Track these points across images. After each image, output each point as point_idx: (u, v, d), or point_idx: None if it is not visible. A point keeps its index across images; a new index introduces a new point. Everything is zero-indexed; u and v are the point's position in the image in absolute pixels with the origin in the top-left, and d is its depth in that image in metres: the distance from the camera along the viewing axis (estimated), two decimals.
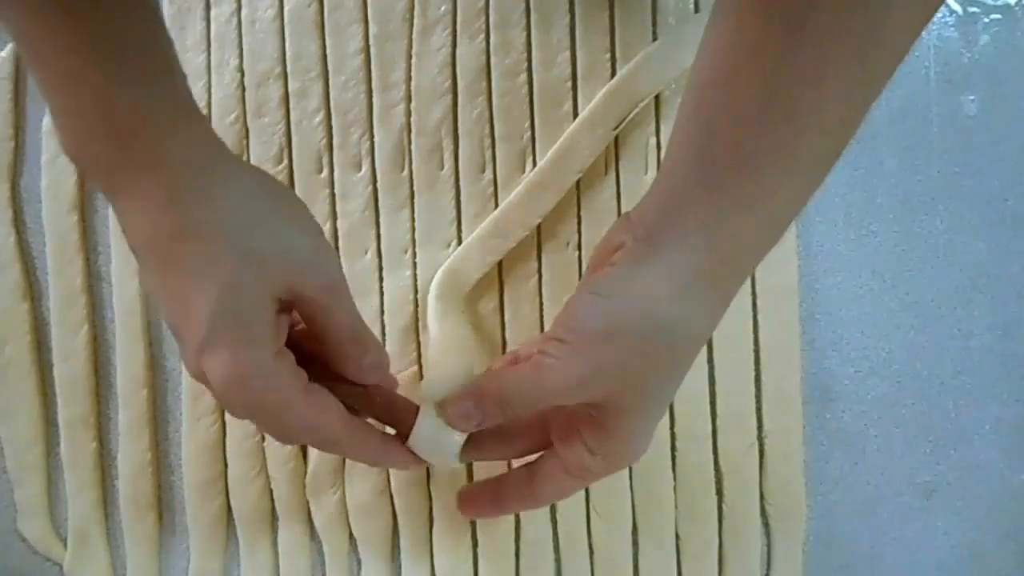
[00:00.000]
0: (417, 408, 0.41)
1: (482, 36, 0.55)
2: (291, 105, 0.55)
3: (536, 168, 0.53)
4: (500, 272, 0.55)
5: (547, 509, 0.55)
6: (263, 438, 0.56)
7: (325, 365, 0.40)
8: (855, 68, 0.31)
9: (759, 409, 0.55)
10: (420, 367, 0.55)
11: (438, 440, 0.40)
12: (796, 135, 0.32)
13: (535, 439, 0.43)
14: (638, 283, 0.34)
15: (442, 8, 0.55)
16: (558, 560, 0.56)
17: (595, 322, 0.35)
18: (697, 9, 0.55)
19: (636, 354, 0.34)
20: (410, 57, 0.55)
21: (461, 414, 0.39)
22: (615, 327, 0.34)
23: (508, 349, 0.55)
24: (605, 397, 0.36)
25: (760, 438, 0.55)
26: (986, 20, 0.56)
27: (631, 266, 0.35)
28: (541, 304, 0.55)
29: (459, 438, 0.40)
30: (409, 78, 0.55)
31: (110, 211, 0.56)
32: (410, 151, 0.55)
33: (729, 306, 0.36)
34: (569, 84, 0.55)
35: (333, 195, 0.55)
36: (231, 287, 0.33)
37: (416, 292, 0.55)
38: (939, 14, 0.56)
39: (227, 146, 0.36)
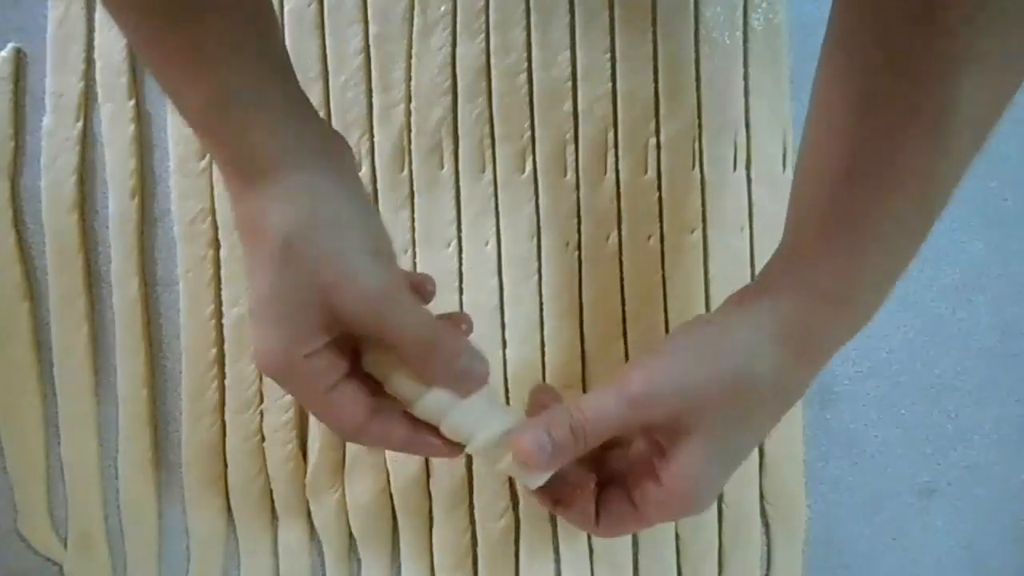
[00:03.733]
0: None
1: (482, 36, 0.55)
2: None
3: None
4: (500, 272, 0.55)
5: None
6: (263, 438, 0.56)
7: None
8: (928, 154, 0.33)
9: None
10: None
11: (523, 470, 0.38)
12: (866, 223, 0.35)
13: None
14: (733, 324, 0.38)
15: (442, 8, 0.55)
16: (558, 560, 0.56)
17: (690, 340, 0.38)
18: (696, 9, 0.55)
19: (715, 377, 0.36)
20: (410, 57, 0.55)
21: (537, 445, 0.37)
22: (706, 348, 0.37)
23: (507, 348, 0.55)
24: (678, 416, 0.36)
25: None
26: None
27: (730, 309, 0.39)
28: (541, 304, 0.55)
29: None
30: (409, 78, 0.55)
31: (110, 211, 0.56)
32: (410, 151, 0.55)
33: (807, 384, 0.39)
34: (569, 84, 0.55)
35: None
36: (268, 286, 0.35)
37: None
38: None
39: (317, 147, 0.37)
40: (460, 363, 0.37)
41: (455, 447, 0.39)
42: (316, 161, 0.36)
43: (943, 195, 0.35)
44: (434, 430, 0.39)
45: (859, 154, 0.34)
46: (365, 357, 0.38)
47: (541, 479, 0.38)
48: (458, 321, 0.41)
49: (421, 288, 0.41)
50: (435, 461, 0.55)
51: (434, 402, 0.37)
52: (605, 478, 0.41)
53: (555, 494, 0.40)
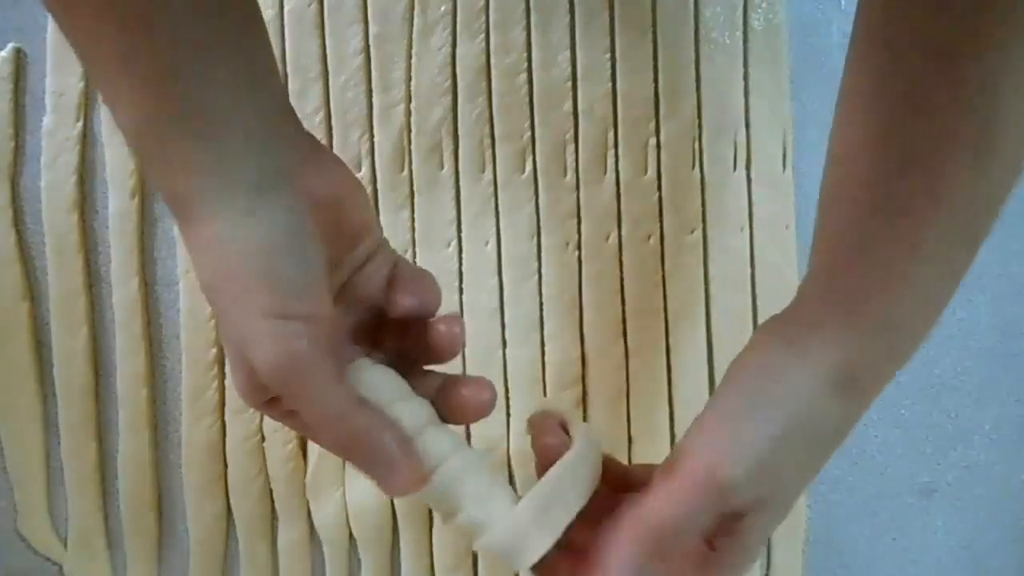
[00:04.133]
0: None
1: (482, 36, 0.55)
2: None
3: None
4: (500, 272, 0.55)
5: None
6: (263, 438, 0.56)
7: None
8: (969, 178, 0.31)
9: None
10: None
11: (521, 539, 0.32)
12: (908, 254, 0.32)
13: None
14: (786, 371, 0.34)
15: (442, 8, 0.55)
16: None
17: (750, 400, 0.34)
18: (696, 9, 0.55)
19: (786, 445, 0.34)
20: (410, 57, 0.55)
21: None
22: (769, 407, 0.34)
23: (507, 348, 0.55)
24: (761, 492, 0.33)
25: None
26: None
27: (776, 350, 0.35)
28: (541, 304, 0.55)
29: (549, 539, 0.32)
30: (409, 78, 0.55)
31: (110, 211, 0.56)
32: (410, 151, 0.55)
33: (858, 417, 0.36)
34: (569, 84, 0.55)
35: None
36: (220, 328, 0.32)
37: None
38: None
39: (255, 183, 0.31)
40: (377, 466, 0.31)
41: None
42: (244, 203, 0.30)
43: (988, 218, 0.33)
44: None
45: (893, 184, 0.32)
46: None
47: (532, 559, 0.32)
48: (453, 324, 0.36)
49: (400, 296, 0.35)
50: None
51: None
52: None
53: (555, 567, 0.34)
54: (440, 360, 0.36)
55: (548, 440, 0.35)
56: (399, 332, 0.36)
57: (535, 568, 0.33)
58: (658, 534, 0.32)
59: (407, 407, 0.33)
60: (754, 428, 0.33)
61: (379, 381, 0.33)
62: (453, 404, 0.35)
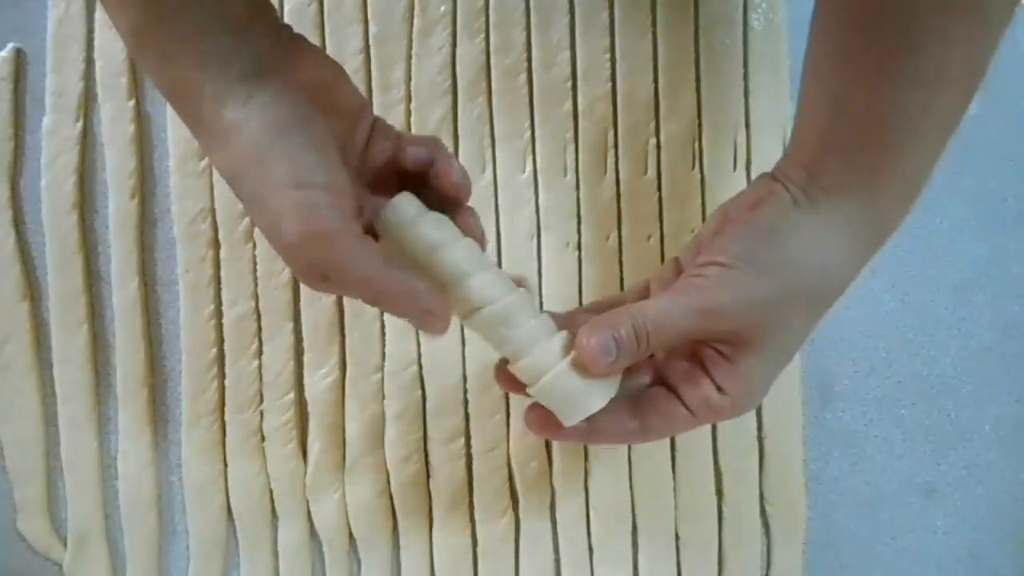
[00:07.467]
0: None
1: (482, 36, 0.55)
2: None
3: None
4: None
5: (547, 508, 0.55)
6: (263, 438, 0.56)
7: None
8: (974, 21, 0.33)
9: (759, 409, 0.55)
10: (420, 367, 0.55)
11: (576, 391, 0.35)
12: (923, 92, 0.34)
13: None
14: (797, 228, 0.37)
15: (442, 8, 0.55)
16: (558, 560, 0.56)
17: (759, 252, 0.36)
18: (696, 9, 0.55)
19: (787, 290, 0.36)
20: (410, 57, 0.55)
21: (601, 347, 0.35)
22: (776, 260, 0.36)
23: None
24: (746, 329, 0.36)
25: (760, 438, 0.55)
26: None
27: (789, 212, 0.37)
28: (541, 304, 0.55)
29: (605, 389, 0.36)
30: (409, 78, 0.55)
31: (110, 211, 0.56)
32: None
33: (863, 265, 0.38)
34: (569, 84, 0.55)
35: None
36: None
37: None
38: None
39: (247, 70, 0.34)
40: (419, 305, 0.34)
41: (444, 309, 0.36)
42: (244, 88, 0.33)
43: (988, 55, 0.35)
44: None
45: (899, 48, 0.34)
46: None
47: (584, 413, 0.36)
48: (448, 165, 0.38)
49: (411, 148, 0.38)
50: (435, 460, 0.55)
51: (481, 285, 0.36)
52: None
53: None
54: (456, 201, 0.38)
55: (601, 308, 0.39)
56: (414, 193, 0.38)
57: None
58: (636, 326, 0.35)
59: (451, 252, 0.36)
60: (754, 274, 0.36)
61: (428, 228, 0.36)
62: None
